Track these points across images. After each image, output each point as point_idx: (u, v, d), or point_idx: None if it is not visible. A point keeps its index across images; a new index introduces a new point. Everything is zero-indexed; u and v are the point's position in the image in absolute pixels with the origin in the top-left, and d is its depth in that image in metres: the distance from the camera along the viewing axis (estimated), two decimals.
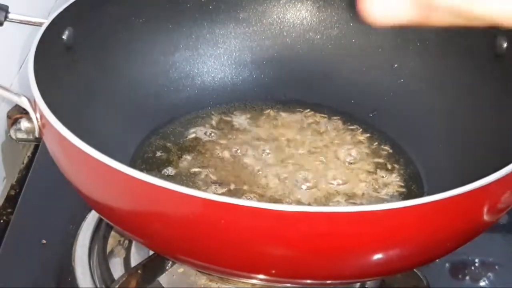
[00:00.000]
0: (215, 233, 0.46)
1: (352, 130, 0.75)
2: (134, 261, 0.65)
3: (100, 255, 0.65)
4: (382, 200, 0.66)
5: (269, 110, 0.77)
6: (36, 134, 0.55)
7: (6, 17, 0.63)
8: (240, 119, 0.75)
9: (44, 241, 0.67)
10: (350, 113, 0.76)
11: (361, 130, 0.74)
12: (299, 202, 0.65)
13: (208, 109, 0.76)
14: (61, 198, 0.69)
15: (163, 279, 0.62)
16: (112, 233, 0.67)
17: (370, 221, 0.44)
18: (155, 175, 0.65)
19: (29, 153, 0.86)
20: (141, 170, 0.66)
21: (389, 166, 0.70)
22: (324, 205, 0.64)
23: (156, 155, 0.70)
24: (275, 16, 0.79)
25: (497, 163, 0.48)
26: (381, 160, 0.71)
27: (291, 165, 0.69)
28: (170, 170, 0.68)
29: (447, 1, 0.42)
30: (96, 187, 0.51)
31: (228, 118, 0.75)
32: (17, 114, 0.79)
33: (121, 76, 0.70)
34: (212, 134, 0.73)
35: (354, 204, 0.65)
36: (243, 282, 0.60)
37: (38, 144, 0.82)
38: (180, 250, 0.51)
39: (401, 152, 0.72)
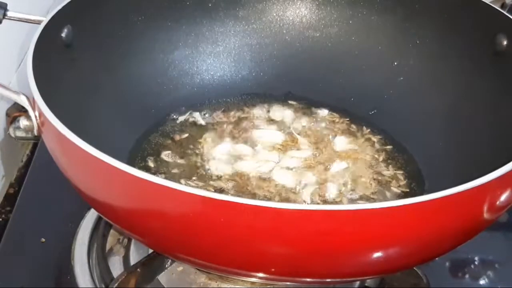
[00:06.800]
0: (215, 231, 0.46)
1: (352, 128, 0.74)
2: (133, 259, 0.65)
3: (99, 254, 0.65)
4: (382, 198, 0.66)
5: (268, 108, 0.77)
6: (35, 132, 0.55)
7: (4, 15, 0.63)
8: (239, 117, 0.75)
9: (43, 240, 0.67)
10: (350, 111, 0.76)
11: (361, 128, 0.74)
12: (298, 200, 0.64)
13: (207, 107, 0.76)
14: (60, 196, 0.69)
15: (162, 277, 0.62)
16: (111, 231, 0.67)
17: (370, 219, 0.44)
18: (154, 173, 0.66)
19: (28, 152, 0.86)
20: (140, 167, 0.66)
21: (389, 164, 0.70)
22: (324, 203, 0.64)
23: (155, 152, 0.69)
24: (274, 14, 0.79)
25: (497, 161, 0.48)
26: (381, 158, 0.71)
27: (290, 163, 0.69)
28: (169, 168, 0.68)
29: None
30: (95, 185, 0.51)
31: (227, 116, 0.75)
32: (16, 112, 0.79)
33: (120, 74, 0.70)
34: (211, 132, 0.73)
35: (354, 202, 0.65)
36: (242, 281, 0.60)
37: (37, 142, 0.82)
38: (180, 248, 0.51)
39: (401, 150, 0.72)
